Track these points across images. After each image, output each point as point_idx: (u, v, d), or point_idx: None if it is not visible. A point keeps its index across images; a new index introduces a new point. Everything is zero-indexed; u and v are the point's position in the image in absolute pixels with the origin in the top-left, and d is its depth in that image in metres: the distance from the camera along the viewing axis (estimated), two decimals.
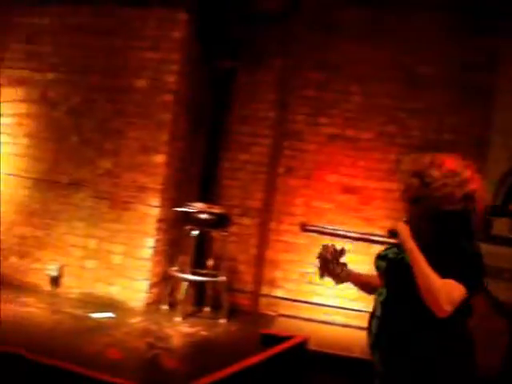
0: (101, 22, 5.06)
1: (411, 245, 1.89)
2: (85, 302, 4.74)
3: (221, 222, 4.70)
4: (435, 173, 1.99)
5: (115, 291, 4.82)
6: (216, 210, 4.72)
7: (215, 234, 4.93)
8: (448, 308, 1.80)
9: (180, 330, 4.33)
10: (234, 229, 5.09)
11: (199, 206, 4.72)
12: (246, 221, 5.27)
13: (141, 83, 4.92)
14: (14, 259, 5.17)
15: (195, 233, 4.71)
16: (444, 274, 1.83)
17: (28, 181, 5.22)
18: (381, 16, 5.19)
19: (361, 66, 5.27)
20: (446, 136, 5.11)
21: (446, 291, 1.81)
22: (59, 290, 4.98)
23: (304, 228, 4.99)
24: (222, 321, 4.68)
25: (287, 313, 5.18)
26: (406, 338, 1.95)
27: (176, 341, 4.10)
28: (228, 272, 4.98)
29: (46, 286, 4.99)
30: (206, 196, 5.07)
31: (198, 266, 4.89)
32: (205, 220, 4.63)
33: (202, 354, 3.78)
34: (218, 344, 4.20)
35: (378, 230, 4.81)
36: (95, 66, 5.07)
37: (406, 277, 1.94)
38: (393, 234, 1.96)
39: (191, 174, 5.24)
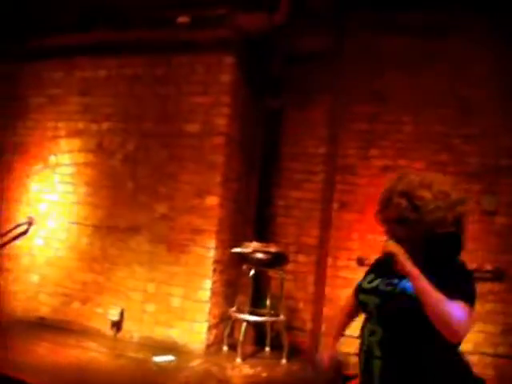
0: (153, 71, 5.24)
1: (414, 269, 1.79)
2: (146, 346, 4.79)
3: (277, 260, 4.68)
4: (426, 194, 1.91)
5: (175, 334, 4.85)
6: (272, 248, 4.71)
7: (272, 272, 4.91)
8: (464, 332, 1.72)
9: (241, 371, 4.30)
10: (290, 267, 5.06)
11: (255, 245, 4.72)
12: (303, 258, 5.24)
13: (193, 127, 5.03)
14: (76, 305, 5.30)
15: (252, 273, 4.70)
16: (449, 297, 1.74)
17: (88, 228, 5.38)
18: (427, 42, 5.16)
19: (410, 94, 5.23)
20: (503, 161, 4.97)
21: (460, 314, 1.72)
22: (120, 335, 5.05)
23: (361, 262, 4.92)
24: (283, 361, 4.61)
25: (347, 350, 5.05)
26: (416, 377, 1.84)
27: (237, 382, 4.05)
28: (287, 311, 4.93)
29: (108, 331, 5.07)
30: (261, 235, 5.07)
31: (256, 306, 4.87)
32: (261, 259, 4.63)
33: None
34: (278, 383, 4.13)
35: None
36: (149, 114, 5.23)
37: (409, 313, 1.84)
38: (387, 255, 1.84)
39: (246, 214, 5.27)
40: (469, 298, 1.78)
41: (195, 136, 5.01)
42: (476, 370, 4.56)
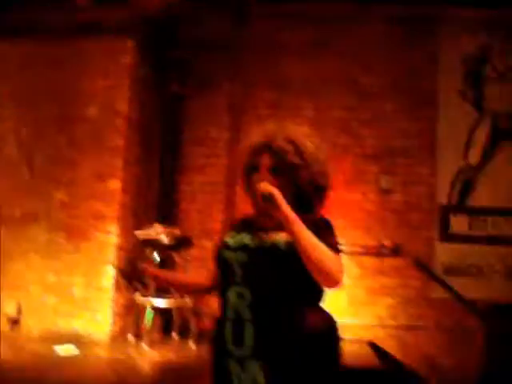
0: (48, 54, 5.02)
1: (292, 213, 1.66)
2: (48, 339, 4.54)
3: (181, 243, 4.62)
4: (309, 144, 1.84)
5: (78, 325, 4.66)
6: (176, 231, 4.65)
7: (177, 257, 4.84)
8: (342, 278, 1.66)
9: (148, 357, 4.19)
10: (195, 252, 5.01)
11: (158, 229, 4.64)
12: (207, 243, 5.20)
13: (92, 111, 4.89)
14: None
15: (157, 257, 4.61)
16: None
17: None
18: (324, 30, 5.34)
19: (310, 81, 5.37)
20: (397, 142, 5.23)
21: (337, 260, 1.67)
22: (19, 330, 4.78)
23: None
24: (192, 346, 4.55)
25: None
26: (291, 339, 1.71)
27: (145, 369, 3.95)
28: (194, 296, 4.88)
29: (5, 327, 4.77)
30: (166, 221, 4.99)
31: (162, 291, 4.77)
32: (165, 243, 4.55)
33: (173, 380, 3.65)
34: (189, 369, 4.06)
35: None
36: (45, 98, 5.01)
37: (281, 268, 1.74)
38: (266, 198, 1.65)
39: (148, 199, 5.18)
40: (338, 250, 1.73)
41: (94, 120, 4.86)
42: (380, 342, 4.76)
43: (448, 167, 5.24)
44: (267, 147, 1.85)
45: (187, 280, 2.01)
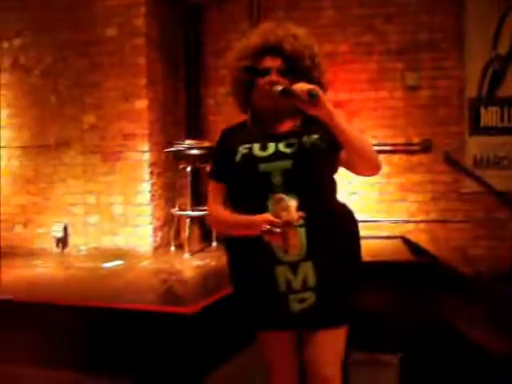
0: None
1: (334, 110, 1.70)
2: (94, 256, 4.82)
3: (212, 155, 4.70)
4: (316, 46, 1.89)
5: (121, 241, 4.90)
6: (206, 144, 4.74)
7: (209, 169, 4.94)
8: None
9: (190, 264, 4.41)
10: None
11: (188, 143, 4.73)
12: None
13: (110, 32, 4.87)
14: (18, 228, 5.24)
15: (189, 169, 4.73)
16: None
17: (17, 150, 5.23)
18: None
19: None
20: (421, 36, 5.08)
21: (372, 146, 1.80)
22: (67, 250, 5.06)
23: None
24: None
25: None
26: (336, 235, 1.84)
27: (187, 273, 4.17)
28: None
29: (54, 248, 5.06)
30: (194, 135, 5.07)
31: (198, 203, 4.93)
32: (196, 155, 4.65)
33: (213, 279, 3.86)
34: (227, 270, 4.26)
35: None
36: (62, 23, 5.00)
37: (326, 166, 1.82)
38: (313, 95, 1.63)
39: (175, 115, 5.24)
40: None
41: (114, 40, 4.85)
42: (411, 235, 4.84)
43: (476, 59, 5.08)
44: (276, 49, 1.82)
45: None
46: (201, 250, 4.86)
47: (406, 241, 4.81)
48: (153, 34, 4.89)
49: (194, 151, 4.65)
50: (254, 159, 1.81)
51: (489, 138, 5.08)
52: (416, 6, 5.07)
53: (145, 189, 4.81)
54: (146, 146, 4.79)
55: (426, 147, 5.03)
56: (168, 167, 5.03)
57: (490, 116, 5.10)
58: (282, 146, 1.82)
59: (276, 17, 5.20)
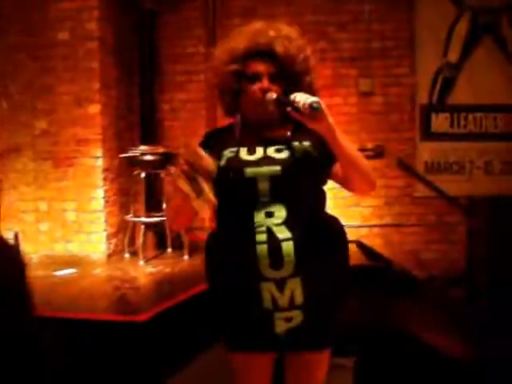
0: None
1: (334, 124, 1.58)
2: (46, 264, 4.70)
3: (167, 160, 4.68)
4: (309, 49, 1.80)
5: (74, 248, 4.81)
6: (160, 149, 4.70)
7: (163, 175, 4.91)
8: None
9: (143, 271, 4.37)
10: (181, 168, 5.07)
11: (143, 148, 4.69)
12: None
13: (63, 35, 4.78)
14: None
15: (143, 175, 4.69)
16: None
17: None
18: None
19: None
20: (374, 44, 5.18)
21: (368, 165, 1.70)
22: None
23: None
24: (185, 257, 4.72)
25: None
26: (325, 249, 1.70)
27: (141, 280, 4.13)
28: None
29: None
30: (149, 141, 5.02)
31: (152, 209, 4.89)
32: (150, 161, 4.61)
33: (166, 286, 3.83)
34: (182, 276, 4.24)
35: None
36: (12, 26, 4.89)
37: (316, 176, 1.71)
38: (315, 108, 1.49)
39: (130, 121, 5.20)
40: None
41: (67, 44, 4.77)
42: (365, 240, 4.92)
43: (427, 66, 5.22)
44: (267, 53, 1.69)
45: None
46: (155, 257, 4.81)
47: (361, 245, 4.88)
48: (107, 38, 4.84)
49: (149, 157, 4.61)
50: (240, 163, 1.66)
51: (439, 143, 5.21)
52: (369, 14, 5.17)
53: (98, 195, 4.74)
54: (99, 152, 4.73)
55: (379, 153, 5.12)
56: (122, 173, 4.97)
57: (440, 122, 5.23)
58: (271, 151, 1.68)
59: (232, 24, 5.23)
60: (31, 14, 4.85)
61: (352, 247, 4.80)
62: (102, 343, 2.85)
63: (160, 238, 5.07)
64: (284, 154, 1.66)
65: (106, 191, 4.77)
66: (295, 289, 1.63)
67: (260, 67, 1.69)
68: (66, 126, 4.79)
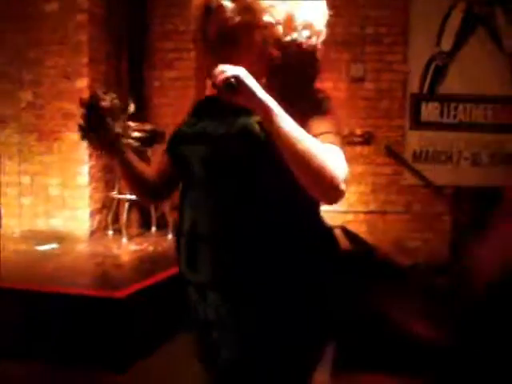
0: None
1: (269, 98, 1.17)
2: (28, 239, 4.66)
3: (154, 138, 4.62)
4: None
5: (57, 223, 4.77)
6: (147, 126, 4.64)
7: (150, 152, 4.86)
8: (343, 186, 1.17)
9: (126, 248, 4.34)
10: None
11: (130, 125, 4.62)
12: None
13: (51, 7, 4.70)
14: None
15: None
16: (316, 135, 1.23)
17: None
18: None
19: None
20: (368, 30, 5.14)
21: (336, 162, 1.19)
22: (1, 231, 4.87)
23: None
24: (169, 236, 4.69)
25: None
26: (277, 260, 1.28)
27: (123, 257, 4.10)
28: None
29: None
30: (138, 117, 4.95)
31: None
32: (137, 138, 4.53)
33: (148, 264, 3.80)
34: (164, 256, 4.21)
35: None
36: None
37: (257, 161, 1.27)
38: (230, 86, 1.17)
39: (119, 97, 5.10)
40: (337, 139, 1.26)
41: (55, 16, 4.68)
42: (350, 226, 4.92)
43: (420, 55, 5.19)
44: (207, 9, 1.33)
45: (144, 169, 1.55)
46: (139, 235, 4.78)
47: (345, 230, 4.87)
48: (96, 11, 4.76)
49: (136, 134, 4.53)
50: (178, 136, 1.42)
51: (428, 132, 5.20)
52: (364, 0, 5.12)
53: (83, 171, 4.69)
54: None
55: (367, 139, 5.10)
56: None
57: (430, 111, 5.22)
58: (211, 125, 1.34)
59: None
60: None
61: (336, 232, 4.81)
62: (80, 318, 2.84)
63: (145, 216, 5.03)
64: (221, 130, 1.31)
65: (91, 167, 4.71)
66: (219, 305, 1.31)
67: (205, 28, 1.38)
68: (53, 100, 4.72)
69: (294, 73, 1.37)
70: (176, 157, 1.41)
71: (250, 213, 1.27)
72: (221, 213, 1.28)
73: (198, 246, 1.30)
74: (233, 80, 1.16)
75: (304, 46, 1.37)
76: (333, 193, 1.17)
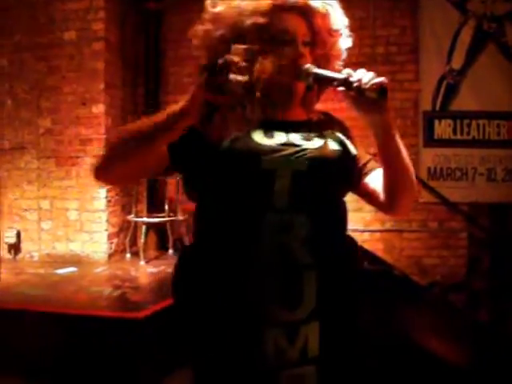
0: None
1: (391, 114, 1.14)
2: (47, 263, 4.73)
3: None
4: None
5: (76, 247, 4.83)
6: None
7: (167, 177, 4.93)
8: None
9: (144, 271, 4.38)
10: None
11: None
12: None
13: (69, 35, 4.83)
14: None
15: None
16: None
17: None
18: None
19: None
20: (379, 49, 5.20)
21: None
22: (20, 256, 4.95)
23: None
24: None
25: None
26: (348, 282, 1.26)
27: (141, 280, 4.14)
28: (186, 212, 5.00)
29: (6, 255, 4.94)
30: None
31: (154, 210, 4.90)
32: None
33: (166, 286, 3.82)
34: None
35: None
36: (19, 26, 4.93)
37: (351, 181, 1.28)
38: (384, 91, 1.11)
39: (134, 121, 5.21)
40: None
41: (72, 44, 4.81)
42: (367, 245, 4.92)
43: (431, 73, 5.22)
44: (296, 7, 1.21)
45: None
46: (156, 258, 4.82)
47: (361, 249, 4.87)
48: (112, 38, 4.87)
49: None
50: (254, 148, 1.16)
51: (442, 150, 5.21)
52: (373, 20, 5.18)
53: (101, 195, 4.75)
54: (101, 152, 4.74)
55: None
56: None
57: (443, 129, 5.23)
58: (293, 138, 1.21)
59: None
60: (37, 13, 4.89)
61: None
62: (99, 340, 2.86)
63: (162, 239, 5.07)
64: (317, 143, 1.22)
65: (108, 191, 4.78)
66: (310, 336, 1.17)
67: (293, 25, 1.22)
68: (70, 126, 4.82)
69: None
70: (260, 170, 1.14)
71: (342, 234, 1.27)
72: (321, 236, 1.16)
73: (301, 277, 1.15)
74: (385, 86, 1.11)
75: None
76: (413, 202, 1.29)
